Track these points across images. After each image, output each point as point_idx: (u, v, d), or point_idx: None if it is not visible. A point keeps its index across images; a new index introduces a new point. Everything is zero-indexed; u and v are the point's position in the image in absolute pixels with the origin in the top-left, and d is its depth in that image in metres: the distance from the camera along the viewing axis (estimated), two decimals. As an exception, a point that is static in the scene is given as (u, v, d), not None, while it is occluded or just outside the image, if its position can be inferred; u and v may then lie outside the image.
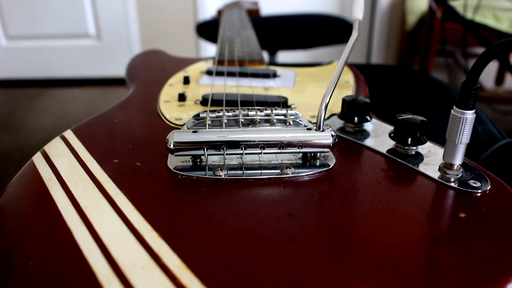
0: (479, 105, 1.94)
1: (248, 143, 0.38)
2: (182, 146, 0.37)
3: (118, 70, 2.24)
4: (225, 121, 0.44)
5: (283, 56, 2.14)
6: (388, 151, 0.42)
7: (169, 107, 0.52)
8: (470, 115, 0.35)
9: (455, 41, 1.98)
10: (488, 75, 2.24)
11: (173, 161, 0.39)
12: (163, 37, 2.26)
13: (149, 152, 0.41)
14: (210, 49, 2.25)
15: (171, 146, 0.37)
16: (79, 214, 0.32)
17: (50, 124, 1.90)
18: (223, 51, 0.73)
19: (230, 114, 0.45)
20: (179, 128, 0.46)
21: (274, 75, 0.63)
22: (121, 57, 2.24)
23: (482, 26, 1.67)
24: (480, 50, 2.05)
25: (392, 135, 0.42)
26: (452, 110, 0.36)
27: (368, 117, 0.46)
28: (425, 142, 0.41)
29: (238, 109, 0.46)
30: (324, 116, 0.38)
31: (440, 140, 0.45)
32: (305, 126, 0.44)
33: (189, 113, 0.50)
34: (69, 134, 0.45)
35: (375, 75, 0.83)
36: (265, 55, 1.65)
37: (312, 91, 0.58)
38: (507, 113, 1.82)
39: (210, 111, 0.46)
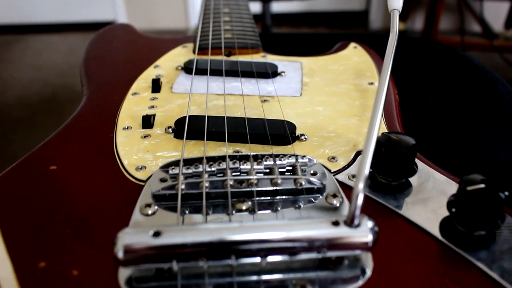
0: (489, 54, 1.77)
1: (241, 249, 0.24)
2: (138, 257, 0.24)
3: (99, 13, 2.06)
4: (206, 184, 0.30)
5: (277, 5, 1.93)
6: (443, 229, 0.29)
7: (129, 141, 0.37)
8: None
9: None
10: (497, 17, 2.04)
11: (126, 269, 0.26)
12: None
13: (93, 245, 0.28)
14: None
15: (120, 256, 0.24)
16: None
17: (27, 77, 1.73)
18: (207, 30, 0.57)
19: (213, 169, 0.31)
20: (142, 185, 0.32)
21: (274, 74, 0.48)
22: (102, -1, 2.04)
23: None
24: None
25: (453, 210, 0.28)
26: None
27: (415, 167, 0.32)
28: (502, 224, 0.28)
29: (225, 159, 0.32)
30: (361, 205, 0.25)
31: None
32: (324, 199, 0.30)
33: (156, 155, 0.35)
34: (-19, 201, 0.31)
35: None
36: (258, 6, 1.46)
37: (326, 104, 0.43)
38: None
39: (185, 161, 0.32)
